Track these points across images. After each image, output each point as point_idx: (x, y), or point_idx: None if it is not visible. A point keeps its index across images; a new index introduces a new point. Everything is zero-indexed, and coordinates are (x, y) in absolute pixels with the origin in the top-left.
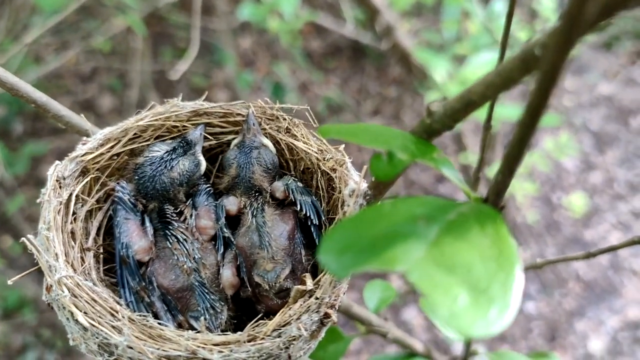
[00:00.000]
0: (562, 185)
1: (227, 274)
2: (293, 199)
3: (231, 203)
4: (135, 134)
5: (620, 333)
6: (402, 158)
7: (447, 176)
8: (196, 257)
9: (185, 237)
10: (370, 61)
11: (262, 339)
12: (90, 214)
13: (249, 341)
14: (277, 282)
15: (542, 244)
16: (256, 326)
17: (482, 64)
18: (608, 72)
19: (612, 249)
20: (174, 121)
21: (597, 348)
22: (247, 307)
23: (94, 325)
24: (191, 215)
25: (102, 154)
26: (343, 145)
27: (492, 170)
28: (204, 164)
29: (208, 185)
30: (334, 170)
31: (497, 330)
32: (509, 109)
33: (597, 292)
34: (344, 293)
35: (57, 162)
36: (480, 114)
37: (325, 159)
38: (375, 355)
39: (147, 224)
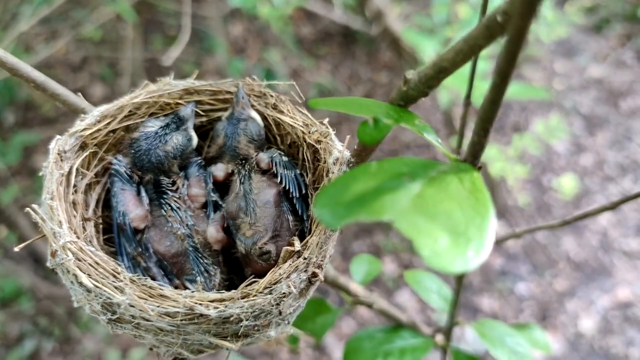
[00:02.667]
0: (552, 167)
1: (211, 231)
2: (275, 171)
3: (219, 169)
4: (130, 111)
5: (611, 312)
6: (387, 123)
7: (428, 140)
8: (189, 223)
9: (178, 205)
10: (361, 47)
11: (255, 295)
12: (89, 187)
13: (242, 298)
14: (253, 248)
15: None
16: (249, 285)
17: None
18: (598, 55)
19: (586, 215)
20: (166, 99)
21: (588, 327)
22: (237, 270)
23: (97, 287)
24: (183, 185)
25: (99, 129)
26: (327, 119)
27: None
28: (195, 139)
29: (199, 158)
30: (319, 142)
31: (474, 267)
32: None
33: (587, 273)
34: (330, 255)
35: (57, 136)
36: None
37: (311, 132)
38: (364, 329)
39: (143, 194)
